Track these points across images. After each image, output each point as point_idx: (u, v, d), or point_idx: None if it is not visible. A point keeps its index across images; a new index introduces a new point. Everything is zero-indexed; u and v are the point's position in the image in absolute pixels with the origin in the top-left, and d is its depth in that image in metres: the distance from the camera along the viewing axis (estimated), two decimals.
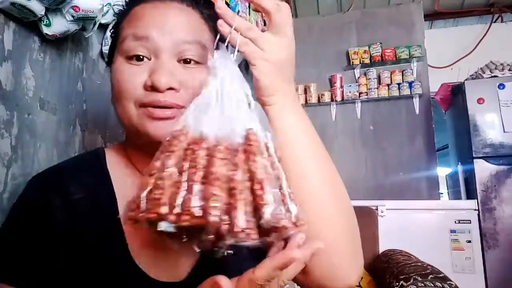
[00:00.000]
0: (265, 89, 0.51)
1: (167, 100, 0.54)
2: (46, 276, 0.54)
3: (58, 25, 0.84)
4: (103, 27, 1.10)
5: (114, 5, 1.05)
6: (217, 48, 0.50)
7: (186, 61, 0.57)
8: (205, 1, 0.63)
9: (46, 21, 0.83)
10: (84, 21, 0.88)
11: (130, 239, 0.57)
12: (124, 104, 0.57)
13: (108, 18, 1.07)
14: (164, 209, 0.37)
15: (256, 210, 0.38)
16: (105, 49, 1.12)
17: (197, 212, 0.36)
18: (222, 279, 0.38)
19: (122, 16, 0.62)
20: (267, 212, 0.37)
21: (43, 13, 0.80)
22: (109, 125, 1.17)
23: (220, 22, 0.50)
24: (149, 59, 0.56)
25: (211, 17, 0.62)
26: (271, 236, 0.38)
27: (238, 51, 0.49)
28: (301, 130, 0.54)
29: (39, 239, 0.55)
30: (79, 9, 0.83)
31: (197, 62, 0.58)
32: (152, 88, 0.54)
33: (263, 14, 0.52)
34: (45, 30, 0.84)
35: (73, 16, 0.84)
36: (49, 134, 0.92)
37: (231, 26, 0.49)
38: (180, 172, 0.39)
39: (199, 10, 0.62)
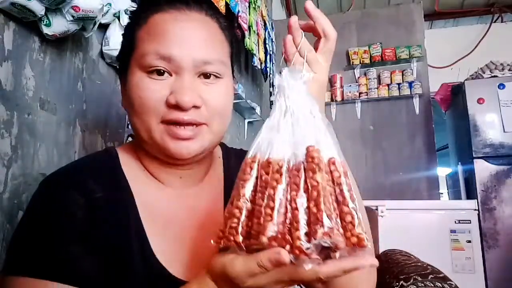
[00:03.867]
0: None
1: (190, 118, 0.56)
2: (70, 273, 0.53)
3: (58, 25, 0.84)
4: (103, 27, 1.10)
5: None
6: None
7: (206, 76, 0.59)
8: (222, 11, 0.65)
9: (46, 21, 0.83)
10: (84, 21, 0.88)
11: (152, 237, 0.58)
12: (144, 119, 0.57)
13: (108, 18, 1.07)
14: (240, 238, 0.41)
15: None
16: (105, 49, 1.12)
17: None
18: (284, 252, 0.38)
19: (137, 21, 0.61)
20: (320, 232, 0.38)
21: (43, 13, 0.80)
22: (109, 125, 1.17)
23: (288, 39, 0.56)
24: (170, 75, 0.57)
25: (227, 27, 0.64)
26: (334, 254, 0.39)
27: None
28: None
29: (65, 236, 0.55)
30: (79, 9, 0.83)
31: (216, 77, 0.60)
32: (176, 106, 0.55)
33: (320, 36, 0.58)
34: (45, 30, 0.84)
35: (73, 16, 0.84)
36: (49, 134, 0.92)
37: (296, 46, 0.56)
38: (253, 201, 0.42)
39: (217, 20, 0.63)
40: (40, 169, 0.88)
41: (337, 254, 0.39)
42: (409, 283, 1.34)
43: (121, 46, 0.66)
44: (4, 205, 0.77)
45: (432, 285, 1.29)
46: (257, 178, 0.43)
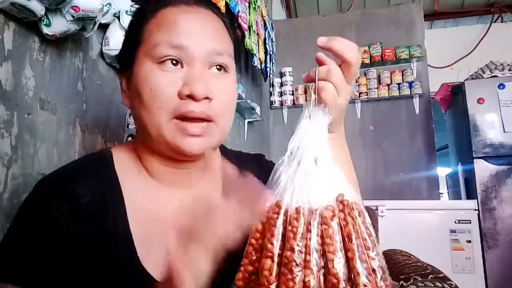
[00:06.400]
0: (334, 124, 0.57)
1: (202, 110, 0.56)
2: (54, 280, 0.53)
3: (58, 25, 0.84)
4: (103, 27, 1.10)
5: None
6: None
7: (217, 69, 0.60)
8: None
9: (46, 21, 0.83)
10: (84, 21, 0.88)
11: (138, 244, 0.57)
12: (154, 114, 0.56)
13: (108, 18, 1.07)
14: None
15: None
16: (105, 49, 1.12)
17: None
18: None
19: (146, 16, 0.61)
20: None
21: (43, 13, 0.80)
22: (109, 125, 1.17)
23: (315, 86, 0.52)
24: (182, 67, 0.57)
25: (230, 27, 0.66)
26: None
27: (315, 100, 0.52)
28: (345, 148, 0.67)
29: (47, 243, 0.55)
30: (79, 9, 0.83)
31: (226, 71, 0.61)
32: (189, 96, 0.55)
33: (343, 63, 0.55)
34: (45, 30, 0.84)
35: (73, 16, 0.84)
36: (49, 134, 0.92)
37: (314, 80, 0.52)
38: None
39: (221, 18, 0.64)
40: (40, 169, 0.88)
41: None
42: (409, 283, 1.34)
43: (124, 42, 0.65)
44: (4, 205, 0.77)
45: (432, 285, 1.29)
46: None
